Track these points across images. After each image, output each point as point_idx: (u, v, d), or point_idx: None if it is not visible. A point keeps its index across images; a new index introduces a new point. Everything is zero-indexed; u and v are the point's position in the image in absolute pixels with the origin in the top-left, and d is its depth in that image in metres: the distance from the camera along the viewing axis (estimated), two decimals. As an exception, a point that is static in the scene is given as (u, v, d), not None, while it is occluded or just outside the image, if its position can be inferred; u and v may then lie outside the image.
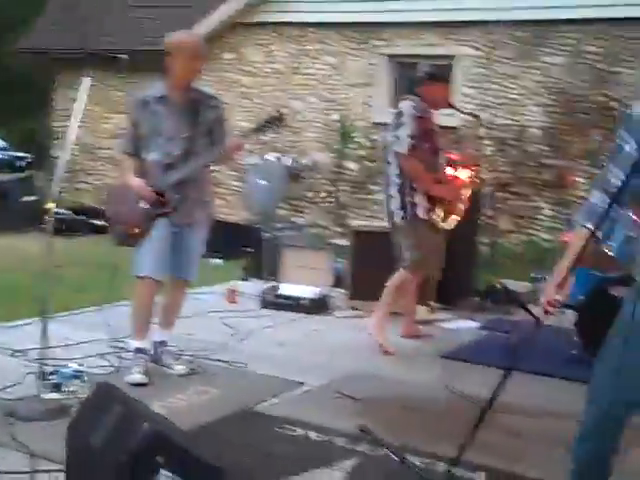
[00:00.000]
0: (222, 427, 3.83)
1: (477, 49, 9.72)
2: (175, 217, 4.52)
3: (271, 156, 9.18)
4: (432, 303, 6.56)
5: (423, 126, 5.38)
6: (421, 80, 5.54)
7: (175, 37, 4.54)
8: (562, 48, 9.29)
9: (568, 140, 9.27)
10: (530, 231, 9.48)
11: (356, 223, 7.63)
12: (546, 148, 9.39)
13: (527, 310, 6.26)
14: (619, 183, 2.68)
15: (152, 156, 4.51)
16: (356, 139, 10.38)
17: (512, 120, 9.54)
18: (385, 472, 3.40)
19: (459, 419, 3.72)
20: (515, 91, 9.57)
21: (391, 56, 10.22)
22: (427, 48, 9.86)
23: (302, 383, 4.61)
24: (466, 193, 5.80)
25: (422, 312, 6.29)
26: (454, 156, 5.96)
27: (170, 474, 2.63)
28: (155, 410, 3.51)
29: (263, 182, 8.04)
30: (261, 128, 4.57)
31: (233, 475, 2.96)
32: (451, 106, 5.90)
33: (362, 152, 10.33)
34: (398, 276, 5.56)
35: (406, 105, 5.41)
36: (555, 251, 6.80)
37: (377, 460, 3.51)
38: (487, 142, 8.61)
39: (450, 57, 9.69)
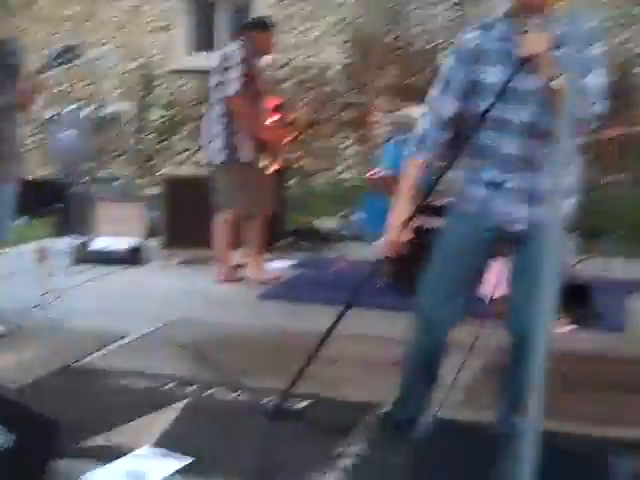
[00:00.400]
0: (49, 383, 3.77)
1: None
2: None
3: (71, 107, 8.85)
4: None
5: (250, 71, 5.53)
6: (250, 26, 5.75)
7: None
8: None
9: (366, 78, 9.56)
10: (337, 169, 9.75)
11: (165, 171, 7.57)
12: (346, 86, 9.63)
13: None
14: (450, 113, 2.83)
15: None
16: (159, 87, 10.20)
17: (311, 60, 9.70)
18: (215, 409, 3.49)
19: (286, 355, 3.89)
20: (313, 31, 9.72)
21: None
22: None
23: (126, 334, 4.61)
24: (289, 136, 5.99)
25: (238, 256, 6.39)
26: (275, 101, 6.11)
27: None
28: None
29: (65, 134, 7.76)
30: (49, 65, 4.17)
31: (63, 429, 2.94)
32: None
33: (165, 99, 10.18)
34: (225, 221, 5.72)
35: (233, 49, 5.55)
36: (361, 188, 7.07)
37: (207, 399, 3.60)
38: (288, 84, 8.75)
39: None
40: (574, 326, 4.84)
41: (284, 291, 5.68)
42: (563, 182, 2.52)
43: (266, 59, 5.89)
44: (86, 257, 6.46)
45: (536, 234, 2.70)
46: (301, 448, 3.04)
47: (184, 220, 6.45)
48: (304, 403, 3.49)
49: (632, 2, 8.71)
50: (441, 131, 2.86)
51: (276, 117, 5.97)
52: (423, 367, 3.05)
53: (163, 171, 7.60)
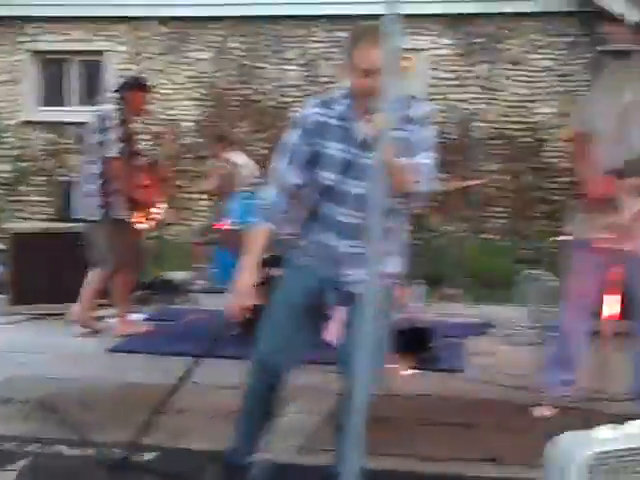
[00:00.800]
0: None
1: (125, 45, 9.82)
2: None
3: None
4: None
5: (126, 131, 5.67)
6: (127, 86, 5.83)
7: None
8: (208, 44, 9.70)
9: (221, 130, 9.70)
10: (192, 222, 9.80)
11: (13, 226, 7.40)
12: (200, 140, 9.76)
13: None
14: (294, 183, 2.97)
15: None
16: (6, 139, 10.01)
17: (166, 115, 9.78)
18: (59, 466, 3.45)
19: (134, 408, 3.88)
20: (167, 86, 9.82)
21: (37, 52, 9.97)
22: (76, 44, 9.77)
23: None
24: (160, 197, 6.07)
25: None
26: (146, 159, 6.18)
27: None
28: None
29: None
30: None
31: None
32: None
33: (14, 152, 9.99)
34: (97, 275, 5.74)
35: (110, 109, 5.66)
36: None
37: (49, 457, 3.56)
38: (145, 137, 8.77)
39: (99, 53, 9.69)
40: (413, 370, 5.06)
41: (136, 343, 5.65)
42: (389, 247, 2.87)
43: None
44: None
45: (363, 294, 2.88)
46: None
47: (32, 275, 6.32)
48: (150, 455, 3.50)
49: (469, 64, 9.29)
50: (286, 200, 2.99)
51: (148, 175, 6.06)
52: (258, 412, 3.13)
53: (10, 225, 7.44)
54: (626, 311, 4.02)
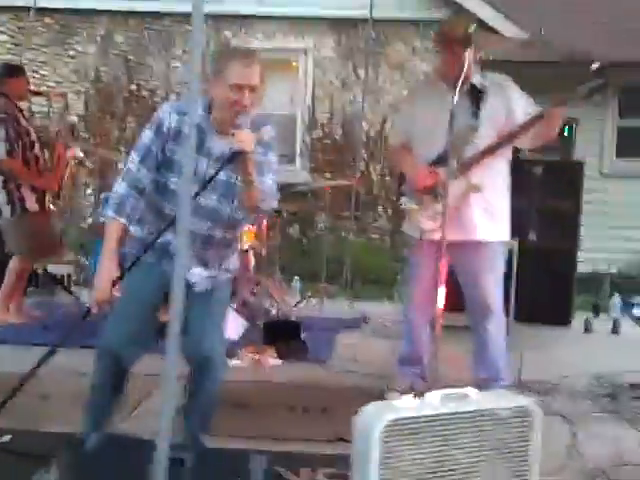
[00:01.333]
0: None
1: (10, 36, 9.68)
2: None
3: None
4: None
5: (13, 124, 5.61)
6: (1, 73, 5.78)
7: None
8: (94, 38, 9.65)
9: (106, 127, 9.68)
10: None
11: None
12: (86, 135, 9.69)
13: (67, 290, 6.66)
14: (145, 183, 3.10)
15: None
16: None
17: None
18: None
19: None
20: (51, 79, 9.71)
21: None
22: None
23: None
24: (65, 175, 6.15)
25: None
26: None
27: None
28: None
29: None
30: None
31: None
32: (35, 92, 6.63)
33: None
34: (16, 264, 5.83)
35: None
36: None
37: None
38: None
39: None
40: (281, 360, 5.24)
41: (11, 335, 5.63)
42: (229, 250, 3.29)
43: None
44: None
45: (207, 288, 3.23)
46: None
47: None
48: (7, 437, 3.56)
49: (359, 66, 9.50)
50: (137, 198, 3.10)
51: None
52: (103, 396, 3.28)
53: None
54: (457, 302, 4.25)
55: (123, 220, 3.09)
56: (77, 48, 9.69)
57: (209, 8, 9.26)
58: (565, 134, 6.81)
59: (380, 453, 2.47)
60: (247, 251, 6.25)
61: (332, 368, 5.20)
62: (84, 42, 9.68)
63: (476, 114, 4.09)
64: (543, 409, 2.67)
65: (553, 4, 9.41)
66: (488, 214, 4.19)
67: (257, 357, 5.25)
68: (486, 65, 4.32)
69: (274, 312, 6.19)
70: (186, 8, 8.11)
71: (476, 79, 4.13)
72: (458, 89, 3.61)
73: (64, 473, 2.92)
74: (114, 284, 3.02)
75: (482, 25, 7.94)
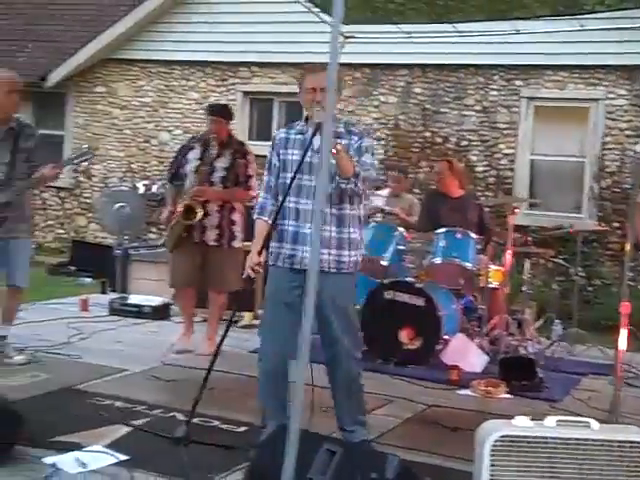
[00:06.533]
0: (50, 396, 4.77)
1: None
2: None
3: (134, 183, 10.12)
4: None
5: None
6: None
7: None
8: (394, 89, 10.51)
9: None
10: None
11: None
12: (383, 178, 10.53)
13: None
14: (272, 186, 4.15)
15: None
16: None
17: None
18: (161, 427, 4.28)
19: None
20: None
21: (246, 93, 11.28)
22: (279, 87, 10.94)
23: (125, 370, 5.54)
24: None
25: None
26: None
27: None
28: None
29: (121, 206, 8.84)
30: (72, 160, 5.37)
31: (34, 424, 3.87)
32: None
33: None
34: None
35: None
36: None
37: (161, 420, 4.48)
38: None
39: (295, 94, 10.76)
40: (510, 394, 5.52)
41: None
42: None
43: None
44: (120, 309, 7.49)
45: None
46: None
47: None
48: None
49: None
50: (271, 199, 4.16)
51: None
52: (271, 388, 4.10)
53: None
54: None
55: (265, 218, 4.14)
56: (380, 98, 10.60)
57: (497, 60, 9.68)
58: None
59: (489, 465, 2.82)
60: (497, 289, 6.60)
61: (561, 408, 5.35)
62: (386, 93, 10.56)
63: None
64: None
65: None
66: None
67: (489, 389, 5.59)
68: None
69: (523, 350, 6.42)
70: (478, 60, 8.69)
71: None
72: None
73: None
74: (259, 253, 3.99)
75: None
